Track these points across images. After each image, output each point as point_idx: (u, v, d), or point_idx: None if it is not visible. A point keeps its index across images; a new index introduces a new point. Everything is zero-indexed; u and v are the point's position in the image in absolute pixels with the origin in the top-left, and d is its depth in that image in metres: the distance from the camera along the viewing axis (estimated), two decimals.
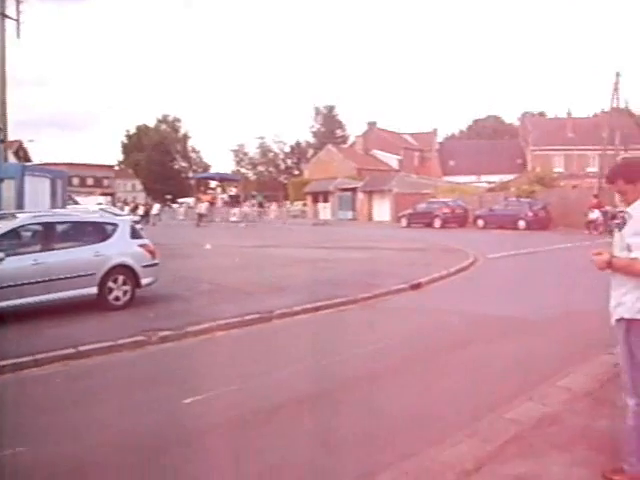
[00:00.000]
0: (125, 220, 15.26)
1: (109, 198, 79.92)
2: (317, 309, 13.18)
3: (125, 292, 13.03)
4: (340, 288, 15.11)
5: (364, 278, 16.90)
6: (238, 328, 11.44)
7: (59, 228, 13.02)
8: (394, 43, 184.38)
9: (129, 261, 13.14)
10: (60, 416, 7.10)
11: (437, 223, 43.22)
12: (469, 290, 16.49)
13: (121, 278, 12.97)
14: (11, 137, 72.49)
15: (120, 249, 13.16)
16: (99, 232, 13.26)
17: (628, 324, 4.66)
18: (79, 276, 12.26)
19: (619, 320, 4.73)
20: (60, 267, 12.04)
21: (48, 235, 12.50)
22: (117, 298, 12.90)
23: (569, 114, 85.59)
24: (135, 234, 13.99)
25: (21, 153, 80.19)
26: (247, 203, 61.33)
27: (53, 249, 12.24)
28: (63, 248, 12.49)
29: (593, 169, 72.00)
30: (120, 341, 10.28)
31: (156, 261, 13.89)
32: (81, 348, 9.75)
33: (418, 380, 8.22)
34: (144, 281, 13.39)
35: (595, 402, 6.58)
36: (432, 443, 5.81)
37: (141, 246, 13.69)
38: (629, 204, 4.73)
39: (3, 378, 8.53)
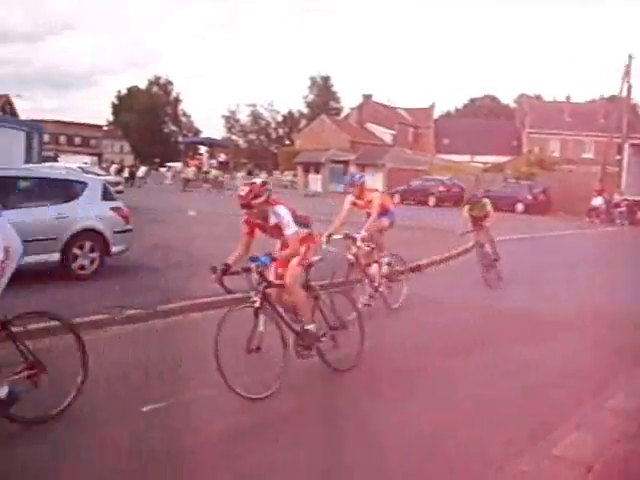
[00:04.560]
0: (96, 179, 13.68)
1: (95, 158, 78.12)
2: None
3: (92, 260, 11.56)
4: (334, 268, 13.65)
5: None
6: (216, 309, 9.95)
7: (17, 184, 11.45)
8: (394, 16, 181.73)
9: (98, 225, 11.63)
10: None
11: (432, 201, 41.78)
12: (472, 276, 15.10)
13: (88, 244, 11.48)
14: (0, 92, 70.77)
15: (88, 211, 11.62)
16: (65, 191, 11.64)
17: None
18: (38, 240, 10.64)
19: None
20: (17, 229, 10.47)
21: (3, 192, 10.93)
22: (82, 267, 11.41)
23: (568, 98, 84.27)
24: (107, 195, 12.41)
25: (7, 108, 78.52)
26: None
27: (9, 208, 10.64)
28: (21, 207, 10.90)
29: (589, 155, 70.99)
30: (78, 319, 8.80)
31: (130, 227, 12.37)
32: (30, 327, 8.25)
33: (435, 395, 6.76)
34: (114, 249, 11.88)
35: None
36: None
37: (113, 209, 12.15)
38: None
39: None
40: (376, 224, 10.42)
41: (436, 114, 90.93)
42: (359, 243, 9.94)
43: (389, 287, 10.78)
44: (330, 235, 9.85)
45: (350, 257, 9.96)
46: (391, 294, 10.77)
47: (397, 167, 54.60)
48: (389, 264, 10.81)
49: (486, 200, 14.05)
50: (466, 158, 71.79)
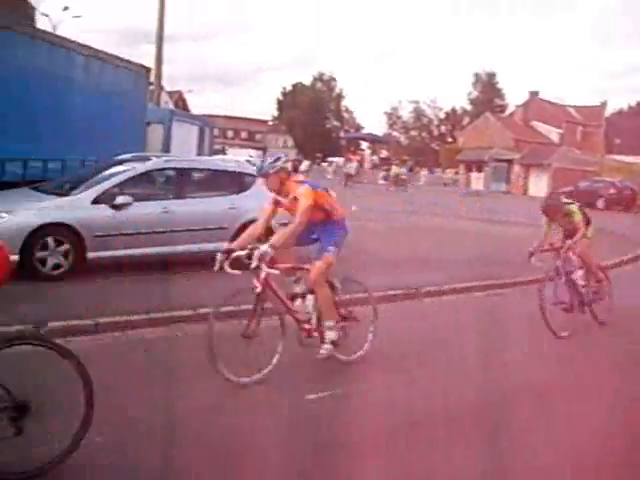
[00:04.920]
0: None
1: (260, 152, 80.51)
2: (469, 290, 11.72)
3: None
4: (496, 267, 13.41)
5: (522, 258, 15.03)
6: (379, 304, 10.01)
7: (193, 175, 12.05)
8: (563, 9, 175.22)
9: None
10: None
11: (600, 204, 39.76)
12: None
13: None
14: (174, 88, 74.47)
15: (257, 203, 11.95)
16: (236, 183, 12.15)
17: None
18: (211, 229, 11.22)
19: None
20: (191, 218, 11.07)
21: (181, 182, 11.53)
22: (249, 256, 11.79)
23: None
24: None
25: (180, 103, 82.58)
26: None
27: (185, 197, 11.27)
28: (196, 197, 11.53)
29: None
30: (244, 306, 9.11)
31: None
32: (201, 311, 8.64)
33: None
34: None
35: None
36: None
37: None
38: None
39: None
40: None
41: (607, 112, 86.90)
42: (255, 263, 6.46)
43: (342, 329, 7.22)
44: (230, 251, 6.65)
45: (255, 284, 6.58)
46: (344, 341, 7.24)
47: (564, 167, 52.81)
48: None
49: (572, 207, 9.64)
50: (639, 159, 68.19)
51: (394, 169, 50.50)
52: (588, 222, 9.77)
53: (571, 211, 9.53)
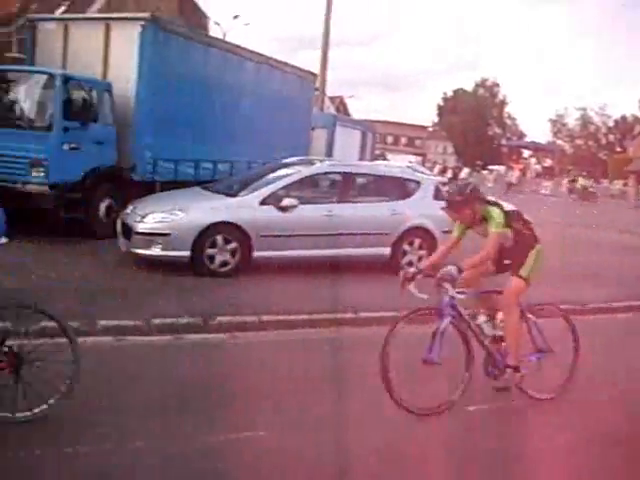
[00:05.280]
0: (429, 179, 14.00)
1: (420, 158, 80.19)
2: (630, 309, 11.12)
3: (420, 257, 11.84)
4: None
5: None
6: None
7: (356, 180, 12.16)
8: None
9: (428, 224, 11.86)
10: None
11: None
12: None
13: (417, 241, 11.81)
14: (335, 93, 75.80)
15: (420, 210, 11.95)
16: (399, 189, 12.16)
17: None
18: (372, 234, 11.32)
19: None
20: (354, 222, 11.18)
21: (344, 186, 11.69)
22: (410, 263, 11.74)
23: None
24: (439, 195, 12.66)
25: (341, 107, 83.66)
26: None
27: (348, 202, 11.41)
28: (359, 202, 11.64)
29: None
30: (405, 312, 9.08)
31: None
32: (362, 314, 8.74)
33: None
34: None
35: None
36: None
37: (444, 209, 12.36)
38: None
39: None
40: None
41: None
42: None
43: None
44: None
45: None
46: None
47: None
48: None
49: (493, 210, 5.87)
50: None
51: (580, 181, 48.65)
52: (533, 244, 6.23)
53: (490, 215, 5.90)
